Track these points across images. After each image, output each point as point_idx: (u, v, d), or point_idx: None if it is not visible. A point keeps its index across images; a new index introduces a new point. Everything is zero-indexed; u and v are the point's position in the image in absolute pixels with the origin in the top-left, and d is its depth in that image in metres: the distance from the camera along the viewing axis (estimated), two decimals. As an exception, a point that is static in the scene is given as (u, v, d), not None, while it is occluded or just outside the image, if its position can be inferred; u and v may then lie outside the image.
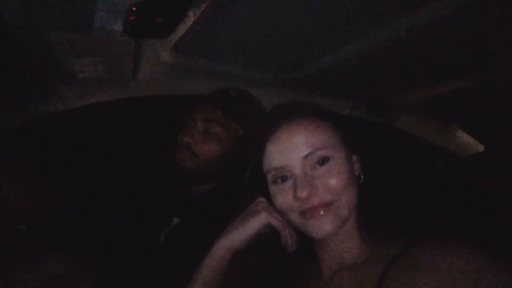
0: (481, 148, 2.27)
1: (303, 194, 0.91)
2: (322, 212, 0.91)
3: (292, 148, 0.94)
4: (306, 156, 0.93)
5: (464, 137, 2.35)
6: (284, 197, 0.96)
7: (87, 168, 2.15)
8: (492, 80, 1.65)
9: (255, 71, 1.80)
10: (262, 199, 1.04)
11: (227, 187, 1.55)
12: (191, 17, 1.29)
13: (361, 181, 0.99)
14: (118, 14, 1.16)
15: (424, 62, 1.56)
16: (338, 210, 0.92)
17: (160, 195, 1.87)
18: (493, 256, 0.77)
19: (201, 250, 1.09)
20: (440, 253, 0.80)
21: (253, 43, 1.50)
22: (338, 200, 0.92)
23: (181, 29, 1.38)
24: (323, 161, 0.93)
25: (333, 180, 0.92)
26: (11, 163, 1.68)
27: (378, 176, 0.98)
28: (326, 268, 1.00)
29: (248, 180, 1.08)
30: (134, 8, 1.12)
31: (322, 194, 0.92)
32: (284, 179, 0.96)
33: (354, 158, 1.00)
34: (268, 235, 1.04)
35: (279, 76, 1.84)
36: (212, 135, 1.53)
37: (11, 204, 1.57)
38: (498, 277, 0.74)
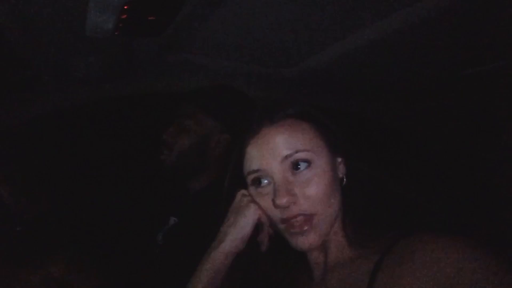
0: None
1: (282, 201, 0.88)
2: (305, 228, 0.89)
3: (272, 151, 0.91)
4: (286, 158, 0.90)
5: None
6: (264, 201, 0.94)
7: (84, 168, 2.15)
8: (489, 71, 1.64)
9: (250, 67, 1.80)
10: (245, 191, 1.00)
11: (222, 184, 1.56)
12: (184, 13, 1.28)
13: (344, 183, 0.96)
14: (111, 13, 1.15)
15: (423, 55, 1.55)
16: (319, 225, 0.90)
17: (157, 194, 1.86)
18: (482, 248, 0.76)
19: (200, 249, 1.08)
20: (428, 246, 0.79)
21: (247, 39, 1.50)
22: (317, 214, 0.89)
23: (175, 26, 1.37)
24: (304, 165, 0.90)
25: (313, 189, 0.89)
26: (7, 164, 1.68)
27: (362, 177, 0.96)
28: (316, 268, 0.99)
29: (228, 183, 1.05)
30: (126, 7, 1.11)
31: (302, 203, 0.89)
32: (262, 182, 0.94)
33: (339, 160, 0.97)
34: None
35: (274, 73, 1.83)
36: (183, 128, 1.58)
37: (8, 206, 1.57)
38: (487, 269, 0.73)
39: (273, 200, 0.90)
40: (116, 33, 1.27)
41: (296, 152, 0.90)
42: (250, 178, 0.95)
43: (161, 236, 1.59)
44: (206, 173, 1.59)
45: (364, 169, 0.96)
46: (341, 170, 0.97)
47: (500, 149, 1.74)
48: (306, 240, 0.89)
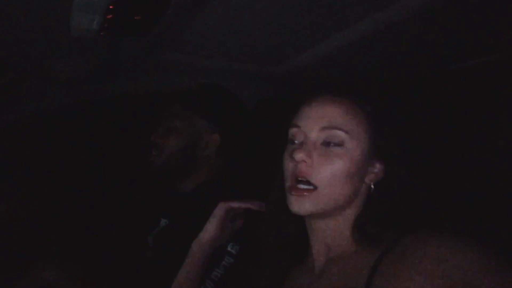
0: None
1: (298, 155, 0.92)
2: (305, 193, 0.92)
3: (319, 117, 0.95)
4: (324, 129, 0.94)
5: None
6: (287, 156, 0.99)
7: (71, 171, 2.12)
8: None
9: (237, 65, 1.79)
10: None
11: (213, 184, 1.55)
12: (171, 12, 1.27)
13: (371, 191, 0.97)
14: (96, 13, 1.13)
15: (413, 50, 1.55)
16: (317, 199, 0.92)
17: (147, 197, 1.85)
18: (487, 250, 0.77)
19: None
20: (430, 243, 0.79)
21: (235, 37, 1.49)
22: (320, 190, 0.92)
23: (162, 25, 1.35)
24: (336, 143, 0.93)
25: (329, 167, 0.91)
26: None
27: (396, 184, 0.95)
28: (317, 260, 1.00)
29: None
30: (111, 7, 1.10)
31: (311, 171, 0.92)
32: (295, 142, 0.98)
33: (377, 167, 0.97)
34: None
35: (262, 70, 1.82)
36: (172, 129, 1.57)
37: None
38: (490, 272, 0.74)
39: (292, 154, 0.95)
40: (101, 33, 1.25)
41: (335, 129, 0.93)
42: (291, 132, 1.00)
43: (152, 239, 1.57)
44: (196, 174, 1.58)
45: (401, 177, 0.95)
46: (373, 178, 0.97)
47: (499, 146, 1.74)
48: (301, 204, 0.93)
